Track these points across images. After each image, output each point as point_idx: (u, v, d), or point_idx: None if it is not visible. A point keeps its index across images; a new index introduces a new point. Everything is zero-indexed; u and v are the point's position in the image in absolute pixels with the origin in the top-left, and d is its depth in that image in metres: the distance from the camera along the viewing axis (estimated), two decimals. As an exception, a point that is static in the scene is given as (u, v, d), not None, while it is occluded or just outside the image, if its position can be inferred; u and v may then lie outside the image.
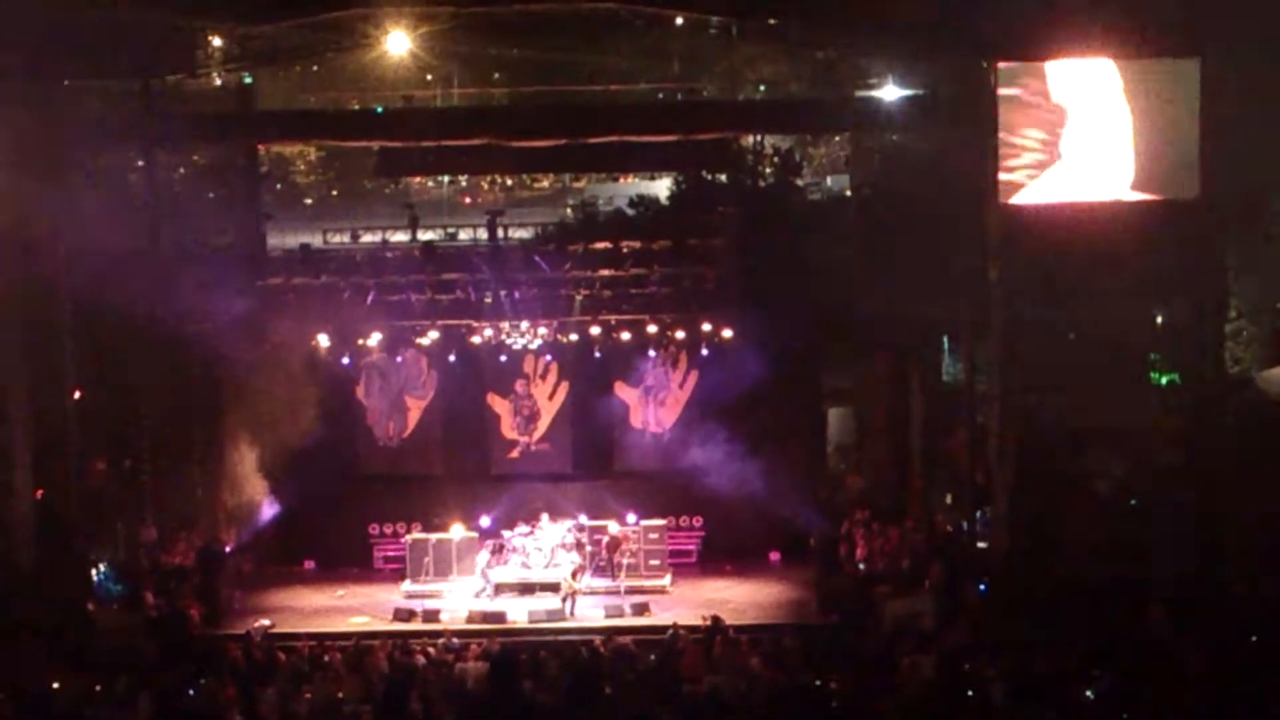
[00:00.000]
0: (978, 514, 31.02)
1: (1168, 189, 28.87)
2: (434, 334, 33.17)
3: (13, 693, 23.84)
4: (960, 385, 32.32)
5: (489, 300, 32.42)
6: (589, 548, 31.84)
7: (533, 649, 26.27)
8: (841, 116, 33.60)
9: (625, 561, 31.69)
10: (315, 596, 31.80)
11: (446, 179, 39.78)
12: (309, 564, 33.91)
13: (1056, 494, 29.67)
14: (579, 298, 32.27)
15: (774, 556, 33.47)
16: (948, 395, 34.18)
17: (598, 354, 33.48)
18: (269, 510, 33.31)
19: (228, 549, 31.85)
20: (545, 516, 32.64)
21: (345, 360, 33.36)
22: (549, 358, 34.15)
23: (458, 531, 32.53)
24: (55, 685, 24.69)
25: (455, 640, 27.13)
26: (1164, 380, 32.29)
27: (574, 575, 30.64)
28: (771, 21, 31.95)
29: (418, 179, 39.36)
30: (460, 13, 31.69)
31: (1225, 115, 28.77)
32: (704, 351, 33.34)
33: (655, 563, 32.18)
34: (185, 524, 32.91)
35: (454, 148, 31.56)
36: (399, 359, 34.08)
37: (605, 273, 32.01)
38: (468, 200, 44.62)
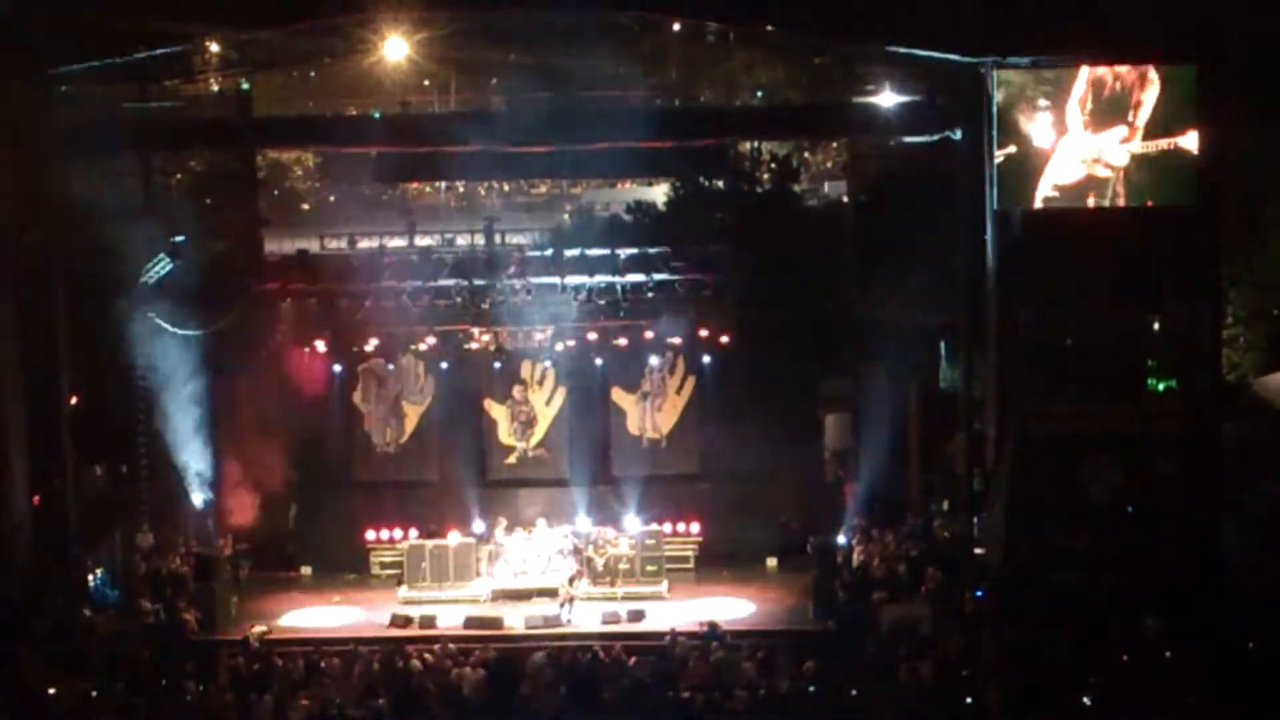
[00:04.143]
0: (975, 520, 30.99)
1: (1165, 195, 28.89)
2: (431, 340, 33.19)
3: (10, 698, 23.83)
4: (957, 391, 32.30)
5: (486, 306, 32.40)
6: (586, 554, 31.84)
7: (529, 655, 26.30)
8: (838, 122, 33.58)
9: (601, 564, 31.66)
10: (312, 602, 31.75)
11: (444, 185, 39.80)
12: (305, 570, 33.85)
13: (1053, 501, 29.62)
14: (576, 304, 32.26)
15: (771, 562, 33.43)
16: (945, 401, 34.12)
17: (595, 360, 33.51)
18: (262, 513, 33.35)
19: (224, 555, 31.81)
20: (542, 522, 32.64)
21: (337, 368, 33.41)
22: (546, 364, 34.15)
23: (454, 538, 32.50)
24: (52, 691, 24.69)
25: (452, 646, 27.11)
26: (1161, 387, 32.21)
27: (571, 581, 30.63)
28: (769, 28, 31.92)
29: (415, 185, 39.43)
30: (457, 19, 31.70)
31: (1223, 120, 28.79)
32: (702, 358, 33.37)
33: (652, 569, 32.11)
34: (182, 530, 32.88)
35: (451, 154, 31.54)
36: (395, 365, 34.07)
37: (602, 279, 31.98)
38: (454, 204, 44.57)
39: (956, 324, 31.62)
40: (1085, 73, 28.58)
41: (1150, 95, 28.46)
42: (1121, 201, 28.81)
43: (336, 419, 34.06)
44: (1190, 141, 28.44)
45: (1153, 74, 28.46)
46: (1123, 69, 28.51)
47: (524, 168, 33.51)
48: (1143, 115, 28.56)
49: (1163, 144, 28.53)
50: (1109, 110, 28.65)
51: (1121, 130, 28.64)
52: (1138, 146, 28.66)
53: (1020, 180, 28.88)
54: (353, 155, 32.86)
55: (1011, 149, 28.81)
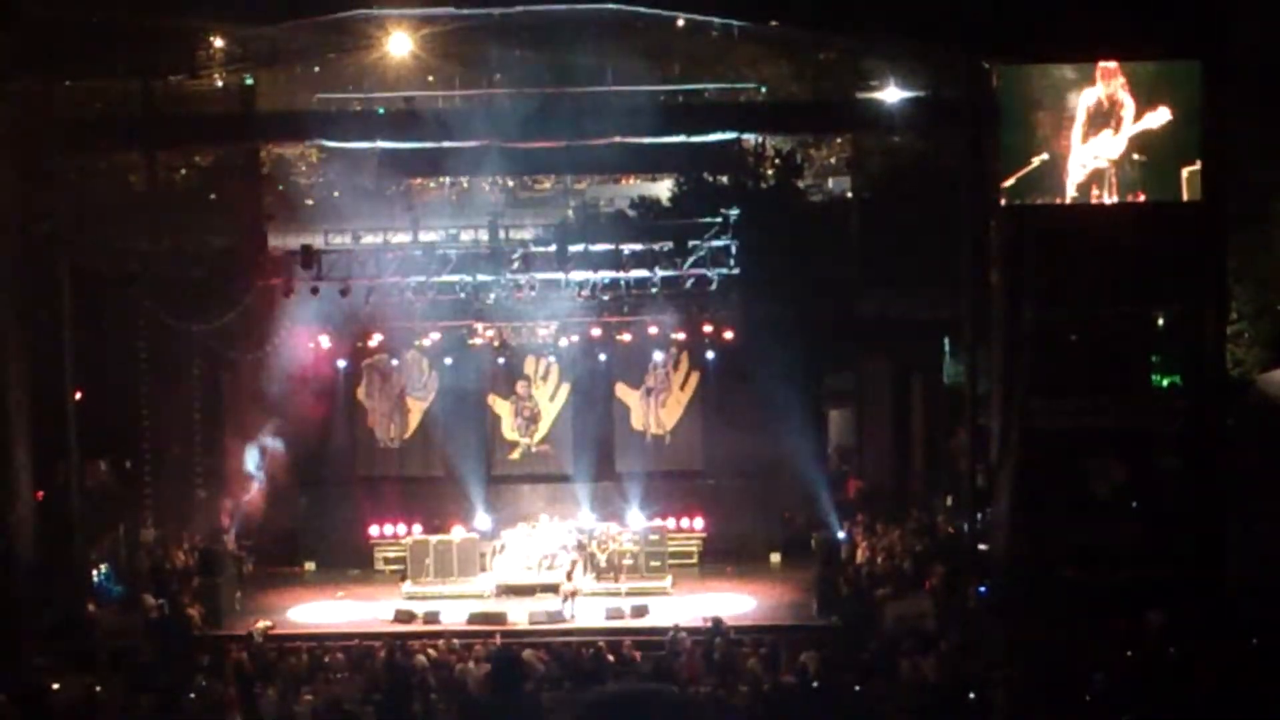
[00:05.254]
0: (978, 516, 31.01)
1: (1168, 191, 28.93)
2: (435, 335, 33.22)
3: (14, 694, 23.86)
4: (961, 387, 32.31)
5: (490, 302, 32.42)
6: (589, 549, 31.87)
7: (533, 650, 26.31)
8: (843, 118, 33.58)
9: (605, 559, 31.71)
10: (316, 598, 31.78)
11: (447, 180, 39.69)
12: (309, 565, 33.89)
13: (1056, 496, 29.65)
14: (580, 299, 32.26)
15: (775, 558, 33.46)
16: (949, 397, 34.18)
17: (599, 356, 33.53)
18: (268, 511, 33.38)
19: (228, 550, 31.85)
20: (545, 517, 32.66)
21: (341, 363, 33.47)
22: (550, 359, 34.19)
23: (458, 533, 32.54)
24: (56, 686, 24.73)
25: (456, 641, 27.13)
26: (1165, 383, 32.23)
27: (568, 575, 30.58)
28: (773, 23, 31.93)
29: (418, 180, 39.29)
30: (462, 14, 31.71)
31: (1225, 116, 28.81)
32: (706, 353, 33.38)
33: (656, 564, 32.15)
34: (186, 525, 32.93)
35: (455, 149, 31.56)
36: (399, 360, 34.10)
37: (606, 274, 31.96)
38: (457, 199, 44.44)
39: (960, 319, 31.65)
40: (1088, 92, 28.74)
41: (1129, 112, 28.86)
42: (1116, 194, 28.98)
43: (340, 414, 34.10)
44: (1161, 140, 28.61)
45: (1130, 99, 28.79)
46: (1112, 92, 28.71)
47: (528, 163, 33.56)
48: (1125, 127, 28.84)
49: (1139, 145, 28.79)
50: (1101, 122, 28.86)
51: (1110, 135, 28.87)
52: (1123, 145, 28.88)
53: (1049, 182, 29.00)
54: (357, 150, 32.79)
55: (1016, 144, 28.94)
